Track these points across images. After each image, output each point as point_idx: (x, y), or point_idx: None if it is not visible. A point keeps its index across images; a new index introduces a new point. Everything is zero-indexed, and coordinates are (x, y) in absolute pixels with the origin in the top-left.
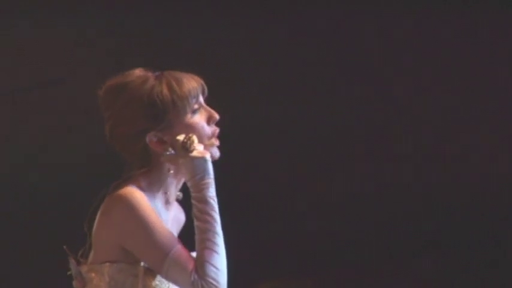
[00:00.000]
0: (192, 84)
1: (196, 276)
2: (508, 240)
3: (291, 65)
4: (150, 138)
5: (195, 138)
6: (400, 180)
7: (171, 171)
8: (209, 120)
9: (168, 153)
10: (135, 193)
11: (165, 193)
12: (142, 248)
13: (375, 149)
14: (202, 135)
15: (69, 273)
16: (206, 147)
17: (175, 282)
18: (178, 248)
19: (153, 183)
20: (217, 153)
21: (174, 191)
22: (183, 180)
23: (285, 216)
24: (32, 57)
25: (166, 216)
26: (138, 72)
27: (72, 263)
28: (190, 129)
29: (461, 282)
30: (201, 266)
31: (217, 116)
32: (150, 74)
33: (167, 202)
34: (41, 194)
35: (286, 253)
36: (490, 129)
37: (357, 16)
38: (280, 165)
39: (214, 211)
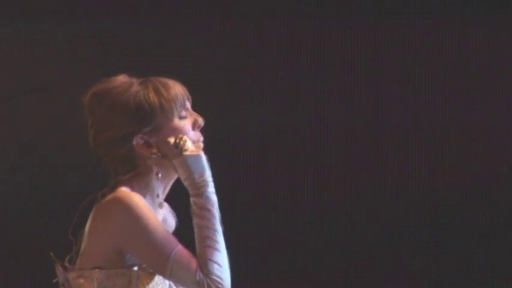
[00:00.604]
0: (178, 89)
1: (201, 275)
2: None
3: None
4: (137, 141)
5: (186, 137)
6: (392, 182)
7: (159, 175)
8: (194, 126)
9: (154, 156)
10: (133, 195)
11: (157, 196)
12: (144, 251)
13: (362, 151)
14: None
15: (55, 280)
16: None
17: (180, 283)
18: (180, 248)
19: (141, 187)
20: None
21: (162, 195)
22: (170, 184)
23: (276, 219)
24: (17, 63)
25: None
26: (122, 78)
27: (58, 269)
28: (176, 132)
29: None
30: (204, 264)
31: (202, 122)
32: (134, 80)
33: (154, 206)
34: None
35: (284, 253)
36: (479, 131)
37: (341, 21)
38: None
39: (214, 208)
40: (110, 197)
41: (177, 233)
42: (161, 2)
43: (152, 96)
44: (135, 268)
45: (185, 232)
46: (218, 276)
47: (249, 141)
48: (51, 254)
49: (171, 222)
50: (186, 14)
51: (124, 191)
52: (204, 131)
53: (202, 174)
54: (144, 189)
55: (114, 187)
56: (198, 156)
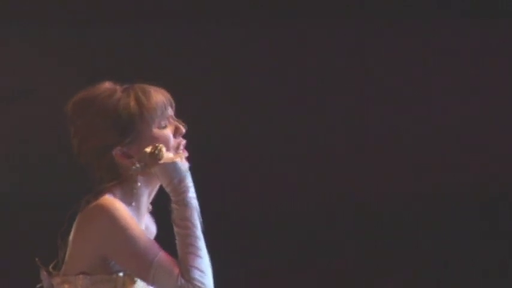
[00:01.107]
0: (160, 97)
1: (183, 281)
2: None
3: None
4: (116, 152)
5: (162, 146)
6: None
7: (139, 184)
8: (175, 133)
9: (135, 167)
10: (116, 202)
11: (136, 205)
12: (126, 258)
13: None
14: (169, 147)
15: (39, 286)
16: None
17: None
18: (162, 255)
19: (125, 195)
20: (186, 164)
21: (145, 203)
22: (155, 191)
23: (266, 223)
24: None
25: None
26: (106, 85)
27: (43, 275)
28: (156, 141)
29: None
30: (186, 270)
31: (183, 129)
32: (117, 87)
33: (137, 213)
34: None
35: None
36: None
37: (325, 26)
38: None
39: (195, 214)
40: (93, 204)
41: (159, 238)
42: (148, 7)
43: (133, 105)
44: (120, 274)
45: (168, 237)
46: (200, 282)
47: (236, 145)
48: (37, 259)
49: (152, 228)
50: (170, 18)
51: (107, 198)
52: (190, 137)
53: (181, 181)
54: (128, 196)
55: (98, 194)
56: (173, 164)
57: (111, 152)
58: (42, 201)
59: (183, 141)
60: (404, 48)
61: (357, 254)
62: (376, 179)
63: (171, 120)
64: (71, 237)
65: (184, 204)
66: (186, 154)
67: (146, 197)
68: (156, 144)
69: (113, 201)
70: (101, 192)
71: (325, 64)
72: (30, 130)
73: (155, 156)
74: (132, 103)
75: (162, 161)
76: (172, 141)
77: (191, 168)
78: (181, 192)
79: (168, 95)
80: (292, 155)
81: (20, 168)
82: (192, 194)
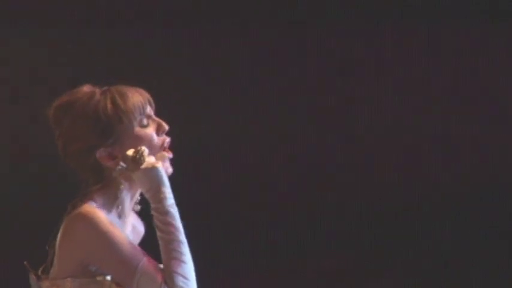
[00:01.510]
0: (137, 97)
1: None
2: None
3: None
4: (100, 153)
5: (144, 149)
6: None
7: (122, 186)
8: (158, 131)
9: (119, 167)
10: (95, 211)
11: (118, 207)
12: (110, 265)
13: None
14: (153, 145)
15: None
16: (157, 159)
17: None
18: (146, 261)
19: (109, 198)
20: (169, 169)
21: (129, 205)
22: (138, 194)
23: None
24: None
25: (125, 230)
26: (85, 88)
27: (32, 279)
28: (140, 141)
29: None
30: (169, 277)
31: (166, 126)
32: (96, 89)
33: (121, 216)
34: None
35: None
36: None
37: (303, 28)
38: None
39: (176, 220)
40: (75, 212)
41: (146, 241)
42: (148, 8)
43: (110, 108)
44: (108, 278)
45: (154, 240)
46: None
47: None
48: (25, 263)
49: (140, 229)
50: (146, 22)
51: (87, 206)
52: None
53: (160, 187)
54: (111, 201)
55: (83, 198)
56: (155, 169)
57: (95, 154)
58: (36, 203)
59: (167, 139)
60: (405, 46)
61: (355, 253)
62: (374, 177)
63: (152, 118)
64: (57, 241)
65: (165, 211)
66: (170, 155)
67: (129, 201)
68: (138, 148)
69: (93, 209)
70: (85, 196)
71: (324, 64)
72: (30, 130)
73: (137, 160)
74: (109, 105)
75: (143, 166)
76: (156, 140)
77: (176, 171)
78: (161, 199)
79: (146, 95)
80: (288, 154)
81: (20, 169)
82: (171, 201)
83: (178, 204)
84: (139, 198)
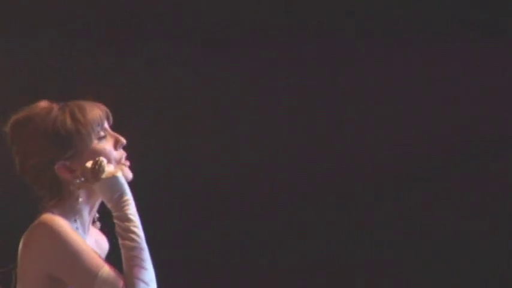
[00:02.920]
0: (96, 111)
1: None
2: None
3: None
4: (59, 167)
5: (103, 160)
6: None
7: (80, 199)
8: (116, 145)
9: (78, 180)
10: (56, 218)
11: (76, 221)
12: (71, 272)
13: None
14: (111, 159)
15: None
16: (117, 168)
17: None
18: (106, 268)
19: (66, 212)
20: (129, 174)
21: (88, 218)
22: (96, 206)
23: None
24: None
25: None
26: (42, 104)
27: None
28: (98, 155)
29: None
30: (130, 283)
31: (123, 140)
32: (54, 105)
33: (83, 229)
34: None
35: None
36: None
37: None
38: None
39: (138, 227)
40: (34, 223)
41: (110, 256)
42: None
43: (69, 122)
44: None
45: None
46: None
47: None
48: None
49: (104, 245)
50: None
51: (47, 215)
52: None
53: (122, 196)
54: (70, 213)
55: (41, 211)
56: (115, 178)
57: (54, 168)
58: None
59: (124, 154)
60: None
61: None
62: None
63: (110, 133)
64: (18, 254)
65: (127, 218)
66: (127, 163)
67: (87, 213)
68: (97, 159)
69: (53, 217)
70: (42, 211)
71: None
72: None
73: (96, 171)
74: (68, 120)
75: (103, 176)
76: (115, 154)
77: (137, 177)
78: (123, 207)
79: (104, 109)
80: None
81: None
82: (132, 209)
83: (140, 210)
84: (97, 215)
